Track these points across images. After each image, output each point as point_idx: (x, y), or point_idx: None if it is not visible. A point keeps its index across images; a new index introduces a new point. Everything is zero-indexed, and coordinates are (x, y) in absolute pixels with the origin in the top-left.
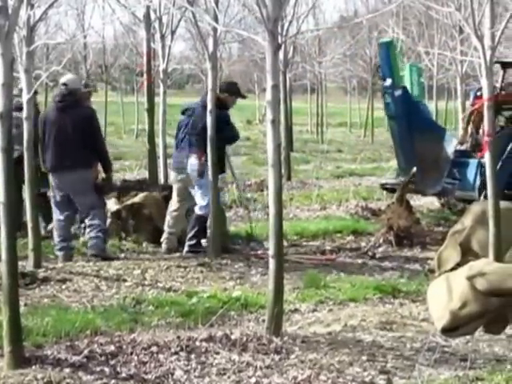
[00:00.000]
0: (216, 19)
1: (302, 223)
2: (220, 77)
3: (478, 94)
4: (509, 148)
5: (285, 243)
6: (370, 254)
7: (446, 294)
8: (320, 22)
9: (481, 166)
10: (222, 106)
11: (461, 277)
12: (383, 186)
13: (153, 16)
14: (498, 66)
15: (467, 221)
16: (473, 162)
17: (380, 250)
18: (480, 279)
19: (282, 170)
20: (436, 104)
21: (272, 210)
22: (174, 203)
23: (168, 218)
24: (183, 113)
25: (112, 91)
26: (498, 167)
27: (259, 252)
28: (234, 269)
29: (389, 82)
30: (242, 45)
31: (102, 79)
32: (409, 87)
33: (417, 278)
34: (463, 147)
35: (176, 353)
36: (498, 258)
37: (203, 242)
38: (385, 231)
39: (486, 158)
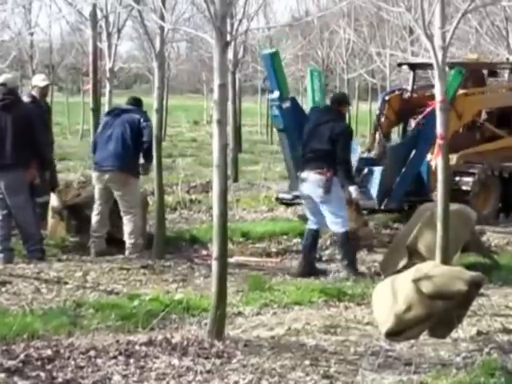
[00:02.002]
0: (163, 18)
1: (248, 225)
2: (168, 76)
3: (387, 98)
4: (412, 155)
5: (230, 245)
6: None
7: (390, 298)
8: (271, 22)
9: (384, 173)
10: (344, 118)
11: (406, 279)
12: (280, 201)
13: (99, 14)
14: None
15: (414, 223)
16: (377, 170)
17: (326, 252)
18: (426, 282)
19: (229, 171)
20: None
21: (216, 211)
22: (96, 206)
23: (92, 222)
24: (108, 113)
25: (58, 92)
26: (401, 175)
27: (203, 254)
28: (177, 271)
29: (276, 94)
30: (190, 44)
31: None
32: (310, 93)
33: (363, 280)
34: (370, 154)
35: (114, 357)
36: (446, 261)
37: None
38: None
39: (439, 162)
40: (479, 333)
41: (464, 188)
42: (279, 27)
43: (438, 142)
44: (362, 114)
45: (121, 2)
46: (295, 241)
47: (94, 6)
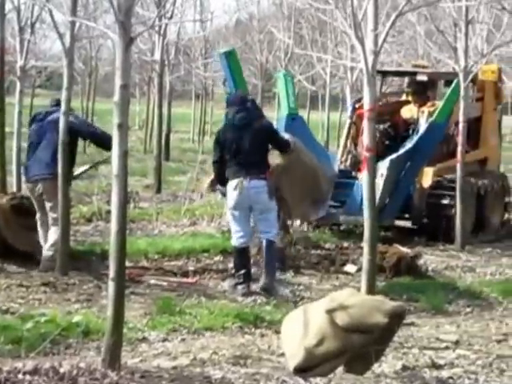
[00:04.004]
0: (74, 12)
1: (167, 240)
2: (95, 78)
3: (357, 105)
4: (404, 171)
5: (145, 263)
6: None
7: (301, 329)
8: (207, 23)
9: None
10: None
11: (319, 309)
12: None
13: (10, 6)
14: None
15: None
16: (357, 183)
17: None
18: (341, 313)
19: (152, 181)
20: (328, 116)
21: (114, 227)
22: (38, 218)
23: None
24: (33, 119)
25: None
26: (394, 190)
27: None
28: (82, 290)
29: None
30: None
31: None
32: (285, 99)
33: (285, 305)
34: (342, 166)
35: None
36: (371, 286)
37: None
38: (256, 252)
39: (364, 176)
40: (405, 368)
41: (445, 202)
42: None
43: (365, 154)
44: None
45: None
46: (216, 259)
47: None
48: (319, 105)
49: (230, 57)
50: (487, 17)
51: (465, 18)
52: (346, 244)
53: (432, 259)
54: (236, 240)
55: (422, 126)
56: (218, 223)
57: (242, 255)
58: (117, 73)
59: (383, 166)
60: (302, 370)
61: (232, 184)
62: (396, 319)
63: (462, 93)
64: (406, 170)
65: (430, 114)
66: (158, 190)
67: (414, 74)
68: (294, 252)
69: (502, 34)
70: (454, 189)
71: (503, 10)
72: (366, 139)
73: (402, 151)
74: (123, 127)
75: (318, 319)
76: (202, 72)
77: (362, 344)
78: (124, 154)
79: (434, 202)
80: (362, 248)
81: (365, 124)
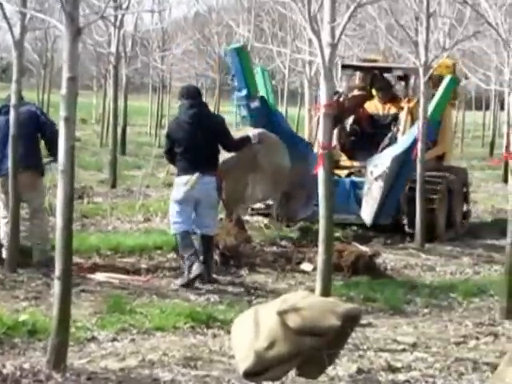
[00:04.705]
0: (25, 3)
1: (120, 237)
2: (50, 71)
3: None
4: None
5: (97, 259)
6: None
7: (252, 331)
8: (165, 15)
9: (354, 184)
10: None
11: (271, 311)
12: (257, 212)
13: None
14: None
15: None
16: (342, 180)
17: None
18: (293, 315)
19: (107, 176)
20: (286, 110)
21: (59, 223)
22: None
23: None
24: None
25: None
26: (390, 191)
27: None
28: (30, 287)
29: (244, 92)
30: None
31: None
32: (264, 95)
33: (239, 304)
34: None
35: None
36: (327, 289)
37: None
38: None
39: (320, 174)
40: (360, 371)
41: (430, 196)
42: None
43: (320, 151)
44: None
45: None
46: (169, 256)
47: None
48: (278, 99)
49: (241, 53)
50: (449, 11)
51: (426, 11)
52: (303, 242)
53: (391, 258)
54: (176, 228)
55: (403, 123)
56: None
57: (185, 238)
58: (64, 65)
59: (381, 163)
60: (252, 374)
61: (182, 179)
62: (350, 322)
63: (422, 88)
64: (404, 168)
65: (411, 111)
66: (113, 185)
67: (381, 69)
68: (249, 249)
69: (463, 28)
70: (435, 184)
71: (465, 4)
72: (320, 136)
73: (401, 149)
74: (70, 121)
75: (270, 321)
76: (160, 65)
77: (314, 347)
78: (71, 149)
79: (413, 199)
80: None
81: (321, 120)
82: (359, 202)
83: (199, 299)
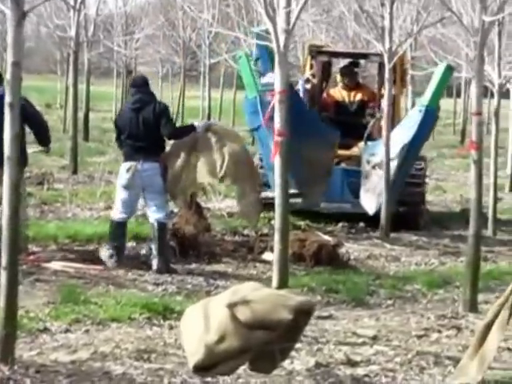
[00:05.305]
0: None
1: (78, 224)
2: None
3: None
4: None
5: (54, 247)
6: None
7: (202, 324)
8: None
9: (347, 173)
10: None
11: (221, 303)
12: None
13: None
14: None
15: None
16: (338, 169)
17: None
18: (243, 308)
19: (68, 162)
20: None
21: (6, 211)
22: None
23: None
24: None
25: None
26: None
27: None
28: None
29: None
30: (39, 19)
31: None
32: (250, 80)
33: (197, 295)
34: None
35: None
36: (283, 280)
37: None
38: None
39: (276, 162)
40: (318, 364)
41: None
42: None
43: (276, 138)
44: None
45: None
46: (128, 245)
47: None
48: None
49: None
50: None
51: None
52: (265, 231)
53: (355, 248)
54: (118, 214)
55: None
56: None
57: (119, 228)
58: (8, 49)
59: (380, 152)
60: (202, 369)
61: (125, 166)
62: (303, 316)
63: (386, 75)
64: (408, 157)
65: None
66: (74, 171)
67: (349, 55)
68: (208, 238)
69: (428, 14)
70: (420, 176)
71: None
72: (276, 123)
73: (408, 138)
74: (14, 107)
75: (219, 314)
76: (123, 50)
77: (265, 341)
78: (16, 136)
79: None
80: None
81: (276, 107)
82: (353, 191)
83: (156, 289)
